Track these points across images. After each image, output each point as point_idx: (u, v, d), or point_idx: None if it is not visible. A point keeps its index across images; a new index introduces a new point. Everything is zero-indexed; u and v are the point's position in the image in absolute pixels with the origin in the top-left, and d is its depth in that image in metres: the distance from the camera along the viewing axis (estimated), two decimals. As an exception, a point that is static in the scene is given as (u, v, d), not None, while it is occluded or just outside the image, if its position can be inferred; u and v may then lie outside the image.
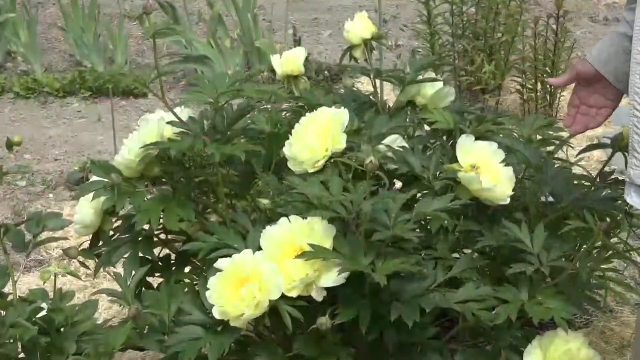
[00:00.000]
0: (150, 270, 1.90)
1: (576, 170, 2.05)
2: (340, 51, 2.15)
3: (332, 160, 1.76)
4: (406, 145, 1.87)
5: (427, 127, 1.98)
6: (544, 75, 3.80)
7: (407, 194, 1.68)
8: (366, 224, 1.64)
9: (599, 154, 3.37)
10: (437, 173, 1.81)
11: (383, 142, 1.83)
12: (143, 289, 1.91)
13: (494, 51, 3.77)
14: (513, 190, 1.77)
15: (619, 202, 1.87)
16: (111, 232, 1.96)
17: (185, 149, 1.79)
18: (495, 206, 1.79)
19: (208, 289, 1.64)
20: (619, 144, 1.83)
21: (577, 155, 2.01)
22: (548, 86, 3.82)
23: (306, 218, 1.66)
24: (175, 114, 1.87)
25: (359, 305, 1.64)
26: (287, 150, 1.79)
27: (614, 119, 3.76)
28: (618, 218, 1.88)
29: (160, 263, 1.96)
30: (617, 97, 1.75)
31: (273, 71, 2.12)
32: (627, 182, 1.54)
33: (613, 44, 1.71)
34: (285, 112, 2.03)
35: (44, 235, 1.94)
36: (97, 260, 1.93)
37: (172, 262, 1.98)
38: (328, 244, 1.63)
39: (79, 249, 1.89)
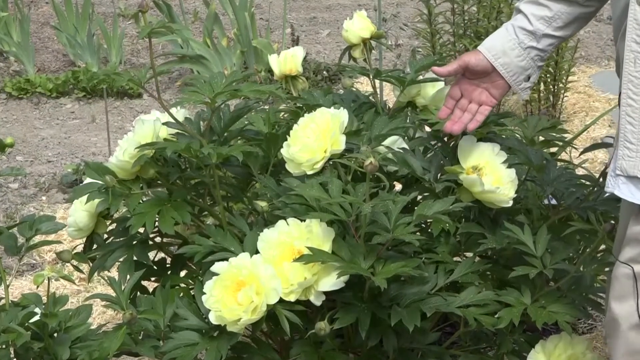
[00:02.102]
0: (146, 274, 1.87)
1: (580, 172, 2.02)
2: (339, 51, 2.12)
3: (331, 162, 1.74)
4: (407, 146, 1.85)
5: (427, 129, 1.96)
6: (547, 76, 3.78)
7: (407, 196, 1.66)
8: (366, 226, 1.63)
9: (602, 155, 3.35)
10: (439, 175, 1.80)
11: (383, 143, 1.81)
12: (138, 293, 1.88)
13: (496, 51, 3.74)
14: (516, 192, 1.75)
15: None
16: (105, 235, 1.93)
17: (182, 150, 1.76)
18: (497, 209, 1.76)
19: (204, 293, 1.61)
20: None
21: (580, 154, 1.98)
22: (551, 87, 3.79)
23: (304, 221, 1.64)
24: (171, 115, 1.84)
25: (358, 310, 1.62)
26: (285, 151, 1.77)
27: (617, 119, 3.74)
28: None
29: (155, 267, 1.93)
30: (501, 94, 1.72)
31: (271, 71, 2.09)
32: (613, 175, 1.52)
33: (510, 38, 1.68)
34: (283, 113, 2.01)
35: (37, 238, 1.91)
36: (90, 264, 1.90)
37: (167, 265, 1.95)
38: (327, 247, 1.62)
39: (73, 253, 1.86)
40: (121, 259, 1.86)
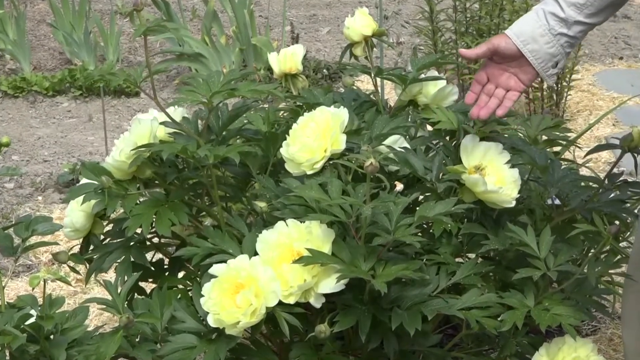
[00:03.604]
0: (143, 276, 1.85)
1: (584, 171, 2.00)
2: (339, 49, 2.10)
3: (331, 162, 1.71)
4: (408, 146, 1.83)
5: (429, 128, 1.93)
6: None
7: (408, 197, 1.64)
8: (366, 228, 1.61)
9: (607, 155, 3.32)
10: (440, 175, 1.78)
11: (384, 142, 1.79)
12: (135, 295, 1.85)
13: (498, 49, 3.72)
14: (519, 192, 1.73)
15: (628, 204, 1.83)
16: (102, 236, 1.90)
17: (178, 152, 1.73)
18: (500, 209, 1.74)
19: (202, 295, 1.59)
20: (628, 144, 1.77)
21: (585, 156, 1.96)
22: (555, 85, 3.76)
23: (304, 222, 1.61)
24: (167, 114, 1.81)
25: (358, 313, 1.60)
26: (284, 151, 1.75)
27: (623, 119, 3.72)
28: (627, 221, 1.83)
29: (153, 268, 1.91)
30: (531, 80, 1.67)
31: (270, 69, 2.07)
32: None
33: (540, 24, 1.62)
34: (282, 112, 1.98)
35: (33, 239, 1.88)
36: (87, 265, 1.88)
37: (165, 266, 1.92)
38: (327, 248, 1.60)
39: (69, 254, 1.84)
40: (119, 261, 1.84)
